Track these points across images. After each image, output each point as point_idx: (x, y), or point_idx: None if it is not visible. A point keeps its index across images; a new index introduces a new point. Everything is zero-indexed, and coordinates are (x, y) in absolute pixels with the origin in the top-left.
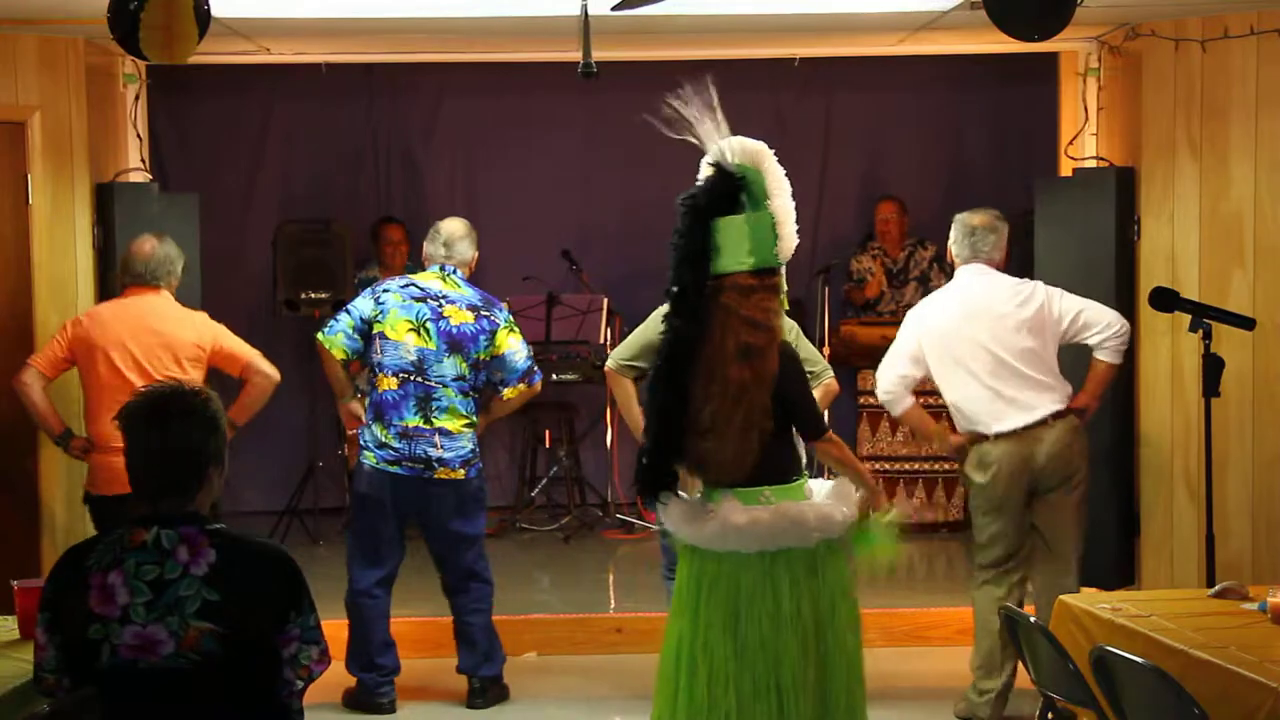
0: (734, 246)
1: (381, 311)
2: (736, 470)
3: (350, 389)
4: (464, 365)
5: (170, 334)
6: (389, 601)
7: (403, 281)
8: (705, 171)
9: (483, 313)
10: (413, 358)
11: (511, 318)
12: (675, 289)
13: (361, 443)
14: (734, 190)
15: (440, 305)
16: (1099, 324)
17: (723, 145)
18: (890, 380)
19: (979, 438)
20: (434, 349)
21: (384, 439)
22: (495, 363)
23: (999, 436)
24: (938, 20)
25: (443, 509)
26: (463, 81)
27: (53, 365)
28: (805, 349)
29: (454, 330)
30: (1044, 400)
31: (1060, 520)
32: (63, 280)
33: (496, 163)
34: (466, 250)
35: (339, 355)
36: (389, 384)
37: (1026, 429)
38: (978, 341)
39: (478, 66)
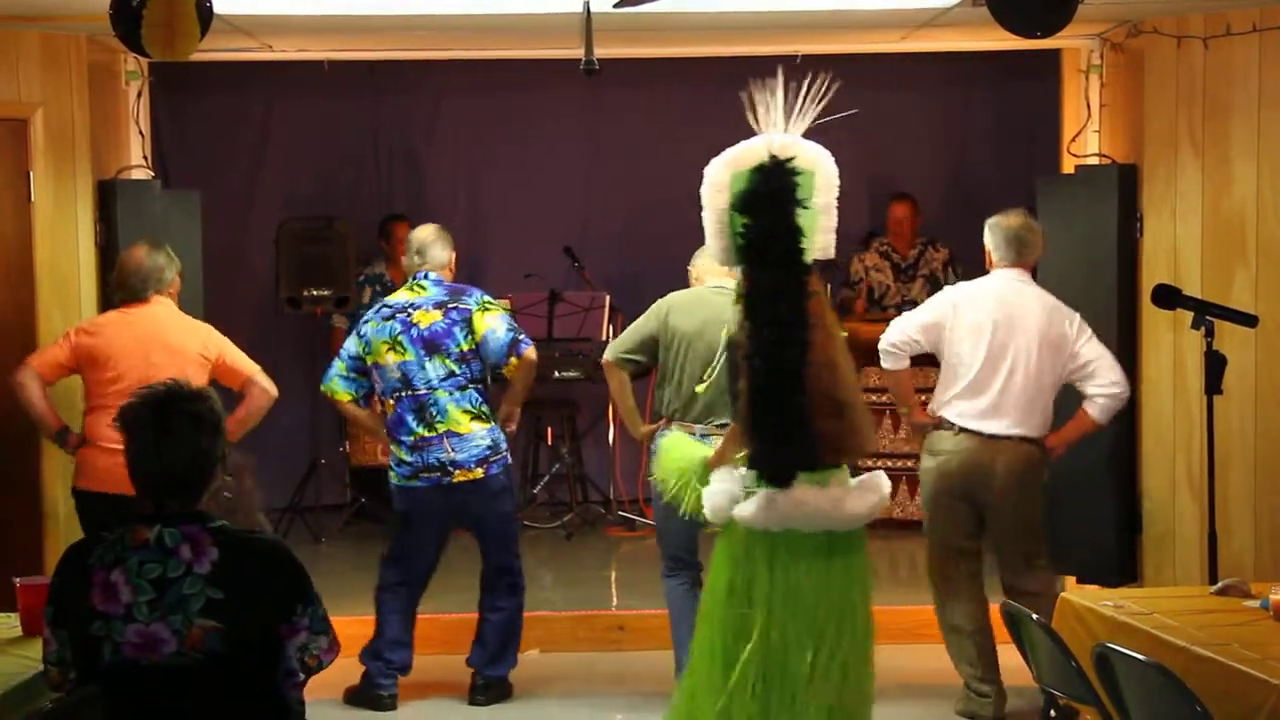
0: (811, 239)
1: (366, 345)
2: (856, 448)
3: (379, 424)
4: (449, 362)
5: (176, 342)
6: (409, 603)
7: (377, 307)
8: (756, 161)
9: (449, 305)
10: (397, 375)
11: (486, 297)
12: (779, 274)
13: (390, 464)
14: (795, 183)
15: (409, 314)
16: (1105, 379)
17: (785, 142)
18: (900, 337)
19: (943, 423)
20: (413, 359)
21: (400, 456)
22: (481, 349)
23: (962, 430)
24: (940, 17)
25: (469, 510)
26: (465, 79)
27: (52, 369)
28: None
29: (425, 333)
30: (1023, 421)
31: (1009, 548)
32: (65, 277)
33: (498, 160)
34: (440, 254)
35: (345, 398)
36: (389, 406)
37: (992, 437)
38: (994, 346)
39: (480, 64)
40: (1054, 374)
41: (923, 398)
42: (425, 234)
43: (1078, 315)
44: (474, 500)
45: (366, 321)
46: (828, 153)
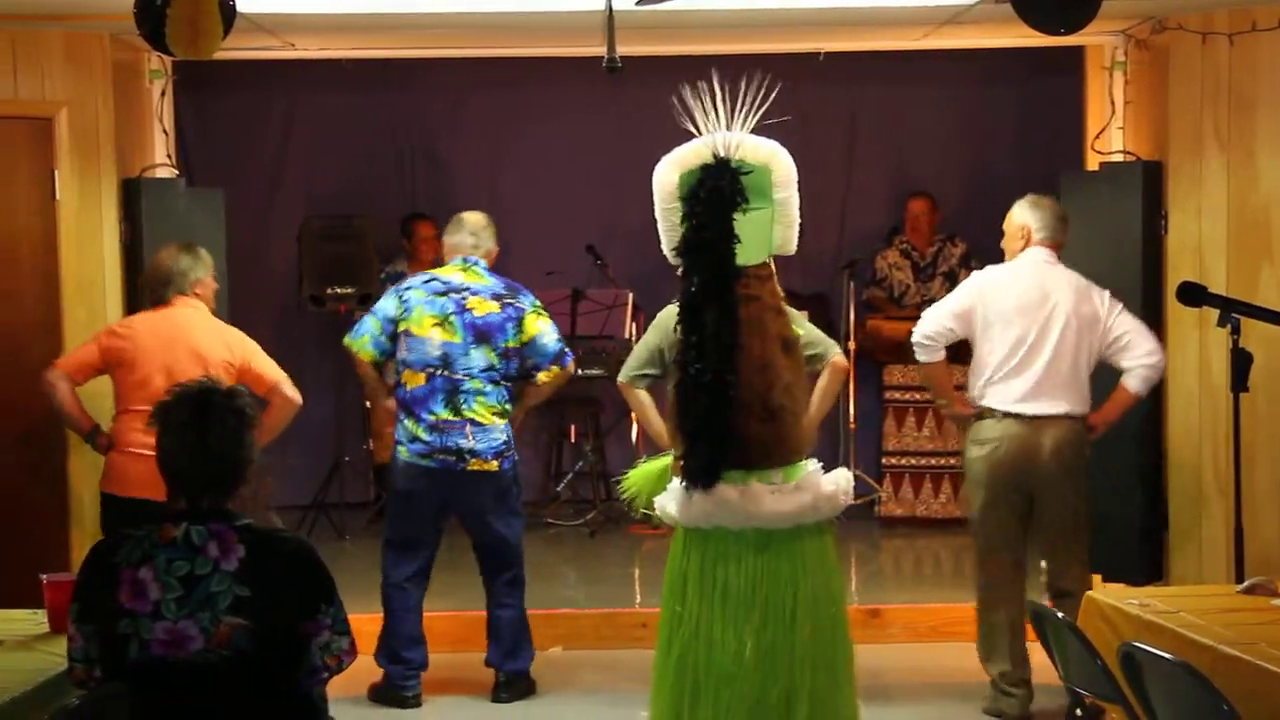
0: (756, 239)
1: (406, 309)
2: (791, 452)
3: (385, 389)
4: (493, 355)
5: (203, 346)
6: (420, 596)
7: (425, 277)
8: (700, 161)
9: (507, 300)
10: (438, 353)
11: (537, 301)
12: (706, 280)
13: (395, 438)
14: (739, 184)
15: (464, 298)
16: (1140, 349)
17: (730, 140)
18: (933, 328)
19: (986, 412)
20: (460, 342)
21: (415, 432)
22: (527, 349)
23: (1006, 415)
24: (963, 14)
25: (477, 501)
26: (486, 76)
27: (81, 370)
28: (806, 330)
29: (479, 321)
30: (1064, 399)
31: (1056, 532)
32: (90, 276)
33: (520, 158)
34: (489, 241)
35: (367, 358)
36: (417, 380)
37: (1036, 418)
38: (1028, 327)
39: (502, 61)
40: (1090, 351)
41: (960, 395)
42: (479, 219)
43: (1106, 291)
44: (485, 492)
45: (410, 288)
46: (781, 148)
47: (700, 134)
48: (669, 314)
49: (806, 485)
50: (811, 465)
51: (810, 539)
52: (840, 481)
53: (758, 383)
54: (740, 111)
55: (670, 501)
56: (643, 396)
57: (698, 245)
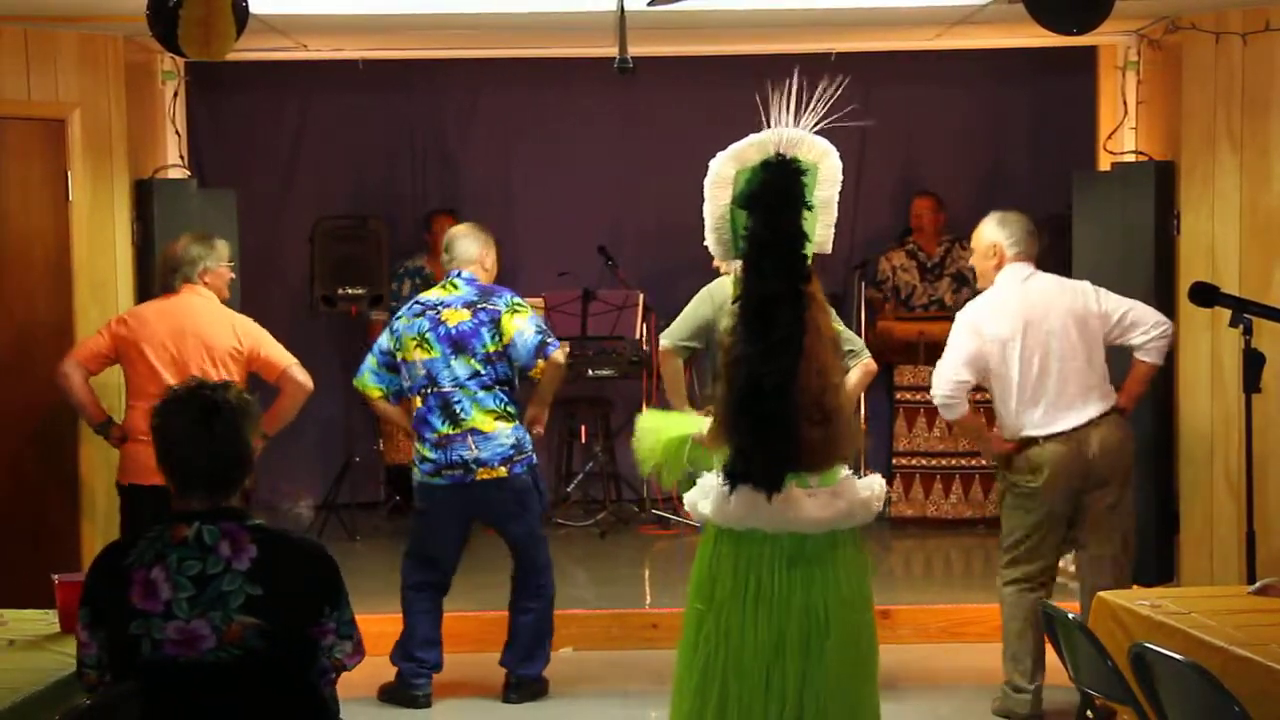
0: (810, 239)
1: (397, 340)
2: (840, 455)
3: (408, 419)
4: (474, 362)
5: (209, 335)
6: (437, 602)
7: (410, 304)
8: (760, 157)
9: (479, 306)
10: (423, 371)
11: (516, 299)
12: (778, 281)
13: (414, 460)
14: (804, 183)
15: (438, 312)
16: (1144, 324)
17: (793, 137)
18: (949, 386)
19: (1028, 442)
20: (438, 356)
21: (423, 453)
22: (510, 350)
23: (1048, 439)
24: (975, 14)
25: (492, 509)
26: (499, 77)
27: (94, 359)
28: (840, 328)
29: (452, 331)
30: (1092, 400)
31: (1106, 526)
32: (102, 276)
33: (533, 158)
34: (469, 249)
35: (375, 394)
36: (417, 403)
37: (1076, 430)
38: (1034, 346)
39: (514, 62)
40: (1098, 345)
41: (996, 434)
42: (455, 230)
43: (1087, 282)
44: (497, 499)
45: (399, 317)
46: (833, 148)
47: (767, 127)
48: (722, 287)
49: (843, 491)
50: (844, 471)
51: (845, 545)
52: (875, 487)
53: (815, 386)
54: (806, 110)
55: (704, 500)
56: (678, 366)
57: (766, 244)
